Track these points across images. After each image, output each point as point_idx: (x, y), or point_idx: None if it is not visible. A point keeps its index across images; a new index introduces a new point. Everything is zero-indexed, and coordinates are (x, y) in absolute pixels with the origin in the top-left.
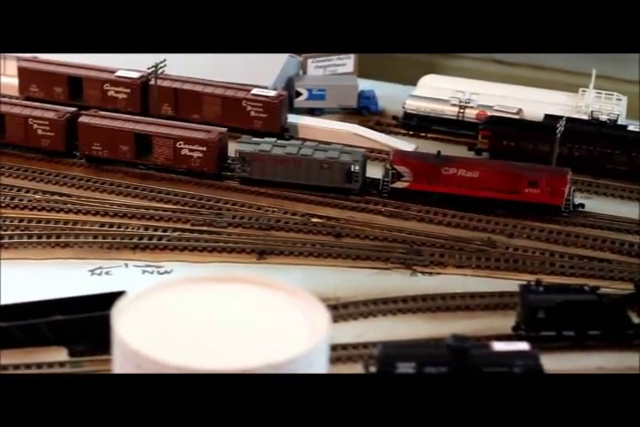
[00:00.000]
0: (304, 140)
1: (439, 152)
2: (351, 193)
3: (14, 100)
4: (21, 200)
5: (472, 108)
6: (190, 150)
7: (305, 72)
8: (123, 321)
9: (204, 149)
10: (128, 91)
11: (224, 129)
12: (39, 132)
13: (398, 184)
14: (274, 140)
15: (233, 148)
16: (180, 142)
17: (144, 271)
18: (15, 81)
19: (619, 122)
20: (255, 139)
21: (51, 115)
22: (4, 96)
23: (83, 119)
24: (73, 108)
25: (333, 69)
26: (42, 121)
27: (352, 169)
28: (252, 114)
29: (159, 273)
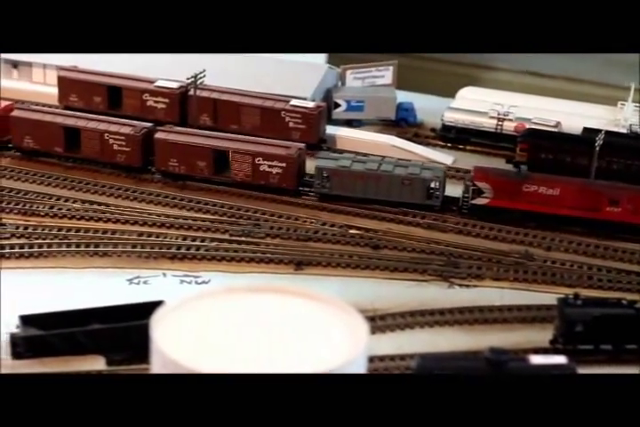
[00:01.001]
0: (342, 151)
1: (520, 168)
2: (431, 209)
3: (90, 115)
4: (60, 209)
5: (510, 120)
6: (269, 166)
7: (343, 83)
8: (161, 331)
9: (284, 164)
10: (167, 101)
11: (302, 145)
12: (115, 147)
13: (478, 201)
14: (353, 155)
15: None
16: (258, 158)
17: (182, 281)
18: (55, 90)
19: None
20: (334, 154)
21: (127, 130)
22: (45, 105)
23: (159, 135)
24: (149, 124)
25: (372, 81)
26: (118, 136)
27: (433, 185)
28: (291, 125)
29: (197, 283)
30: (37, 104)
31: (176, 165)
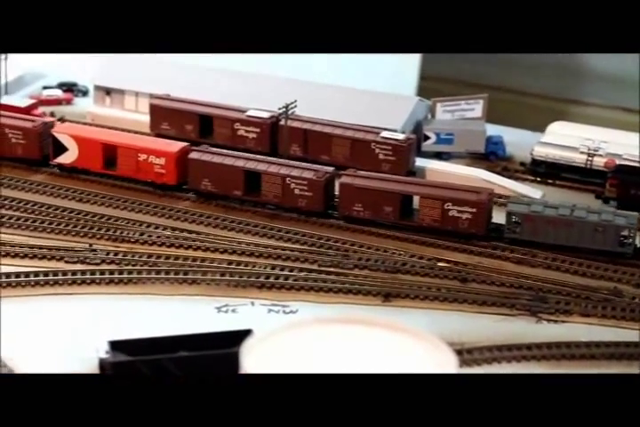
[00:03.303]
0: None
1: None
2: (623, 257)
3: (270, 159)
4: (150, 236)
5: (601, 156)
6: (459, 211)
7: (433, 116)
8: (251, 360)
9: (474, 210)
10: (258, 130)
11: (491, 189)
12: (297, 191)
13: None
14: (544, 201)
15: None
16: (448, 204)
17: (270, 310)
18: (146, 118)
19: None
20: (526, 199)
21: (309, 175)
22: (137, 133)
23: (345, 180)
24: (330, 168)
25: (462, 114)
26: (300, 181)
27: (625, 233)
28: (381, 157)
29: (285, 312)
30: (129, 131)
31: (360, 209)
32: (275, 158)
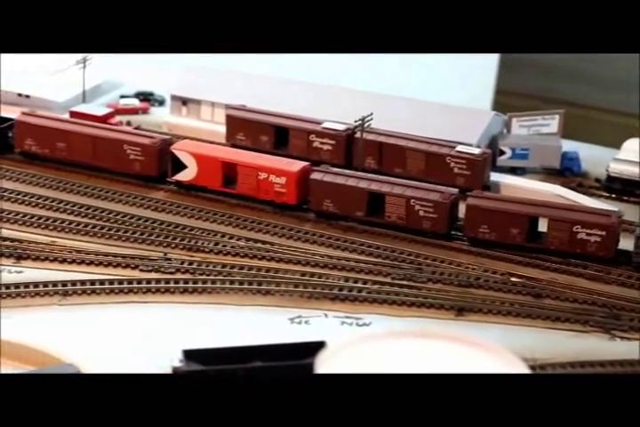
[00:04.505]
0: None
1: None
2: None
3: (393, 179)
4: (225, 246)
5: None
6: (587, 234)
7: (509, 131)
8: (326, 371)
9: (603, 233)
10: (333, 142)
11: (620, 211)
12: (421, 213)
13: None
14: None
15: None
16: (577, 226)
17: (343, 322)
18: (222, 128)
19: None
20: None
21: (435, 196)
22: (212, 143)
23: (471, 201)
24: (455, 190)
25: (537, 129)
26: (425, 202)
27: None
28: (456, 171)
29: (358, 325)
30: (203, 141)
31: (487, 231)
32: (397, 179)
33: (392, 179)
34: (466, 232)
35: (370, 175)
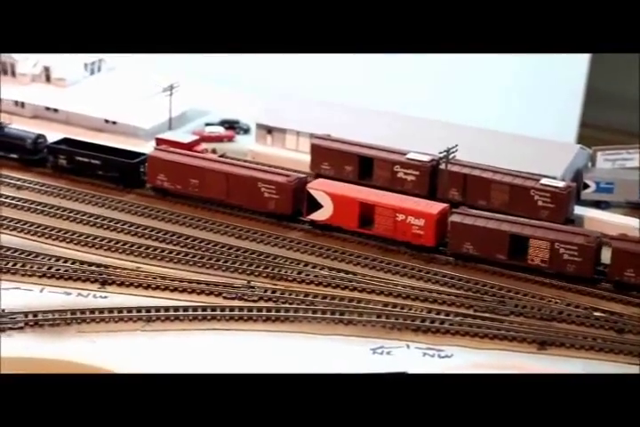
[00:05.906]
0: None
1: None
2: None
3: (536, 222)
4: (308, 275)
5: None
6: None
7: (594, 164)
8: None
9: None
10: (417, 173)
11: (599, 233)
12: (565, 257)
13: None
14: None
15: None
16: None
17: (425, 354)
18: (306, 157)
19: None
20: None
21: (580, 240)
22: (296, 171)
23: (616, 244)
24: (599, 232)
25: (622, 163)
26: (570, 246)
27: None
28: (540, 203)
29: (440, 357)
30: (288, 169)
31: (632, 275)
32: (540, 222)
33: (533, 221)
34: (609, 276)
35: (509, 217)
